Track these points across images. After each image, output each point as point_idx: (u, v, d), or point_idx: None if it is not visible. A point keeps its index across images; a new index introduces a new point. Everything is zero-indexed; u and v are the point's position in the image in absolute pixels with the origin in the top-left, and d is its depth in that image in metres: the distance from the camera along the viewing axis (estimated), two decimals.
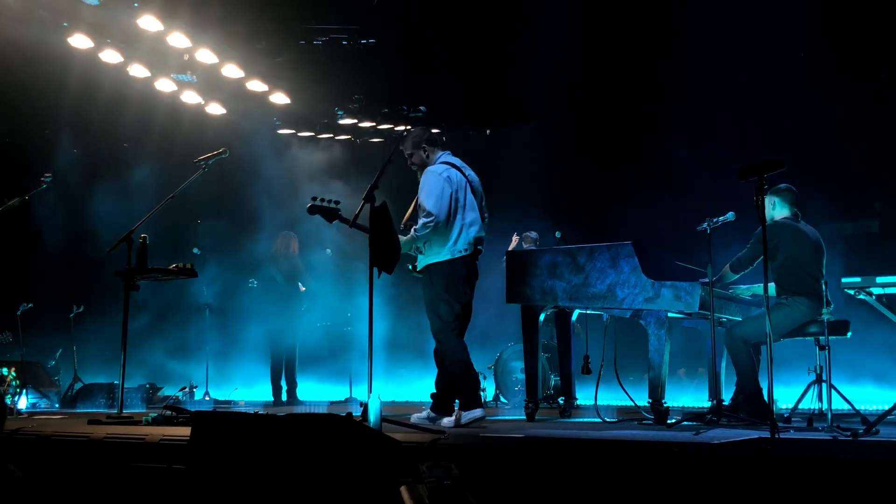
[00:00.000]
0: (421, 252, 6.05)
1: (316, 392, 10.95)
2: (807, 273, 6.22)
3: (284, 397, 10.32)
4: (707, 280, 5.99)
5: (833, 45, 9.97)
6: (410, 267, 6.28)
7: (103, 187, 11.17)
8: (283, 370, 10.37)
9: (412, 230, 5.99)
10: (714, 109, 10.77)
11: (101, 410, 8.45)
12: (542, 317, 6.78)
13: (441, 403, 6.06)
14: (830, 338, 5.86)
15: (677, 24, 10.23)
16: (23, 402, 9.07)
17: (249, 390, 11.72)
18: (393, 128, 13.28)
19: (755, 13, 9.71)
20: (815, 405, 5.97)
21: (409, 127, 6.41)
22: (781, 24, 9.82)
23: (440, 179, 6.02)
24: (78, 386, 10.16)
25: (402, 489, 2.95)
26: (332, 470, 3.26)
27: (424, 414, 6.04)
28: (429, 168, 6.15)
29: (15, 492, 2.95)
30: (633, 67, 11.15)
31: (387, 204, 5.51)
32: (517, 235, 9.76)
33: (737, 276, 6.44)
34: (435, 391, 6.16)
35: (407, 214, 6.35)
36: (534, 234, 9.73)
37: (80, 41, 10.12)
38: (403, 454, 3.38)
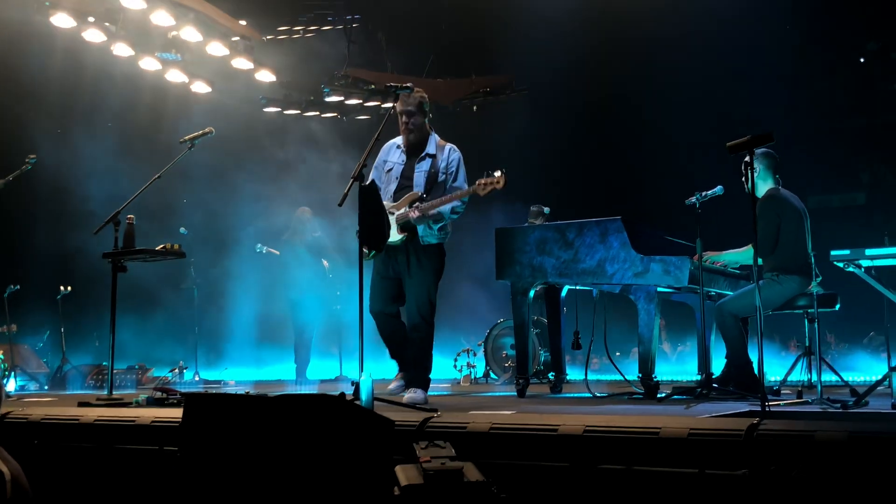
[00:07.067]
0: (431, 228, 5.90)
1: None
2: (797, 248, 6.15)
3: (294, 376, 10.40)
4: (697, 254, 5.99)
5: (820, 16, 9.96)
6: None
7: (89, 168, 11.07)
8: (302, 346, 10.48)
9: (452, 203, 5.76)
10: (701, 82, 10.75)
11: (91, 392, 8.42)
12: (531, 293, 6.77)
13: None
14: (819, 310, 5.88)
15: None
16: (11, 385, 9.03)
17: (239, 370, 11.72)
18: (380, 105, 13.20)
19: None
20: (804, 377, 6.00)
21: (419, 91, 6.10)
22: None
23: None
24: (66, 367, 10.13)
25: (398, 469, 2.94)
26: (326, 451, 3.25)
27: (421, 395, 5.76)
28: (452, 146, 6.04)
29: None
30: (623, 41, 11.12)
31: (375, 182, 5.48)
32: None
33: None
34: (419, 368, 5.97)
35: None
36: (535, 208, 9.07)
37: (62, 20, 9.99)
38: (397, 434, 3.38)
